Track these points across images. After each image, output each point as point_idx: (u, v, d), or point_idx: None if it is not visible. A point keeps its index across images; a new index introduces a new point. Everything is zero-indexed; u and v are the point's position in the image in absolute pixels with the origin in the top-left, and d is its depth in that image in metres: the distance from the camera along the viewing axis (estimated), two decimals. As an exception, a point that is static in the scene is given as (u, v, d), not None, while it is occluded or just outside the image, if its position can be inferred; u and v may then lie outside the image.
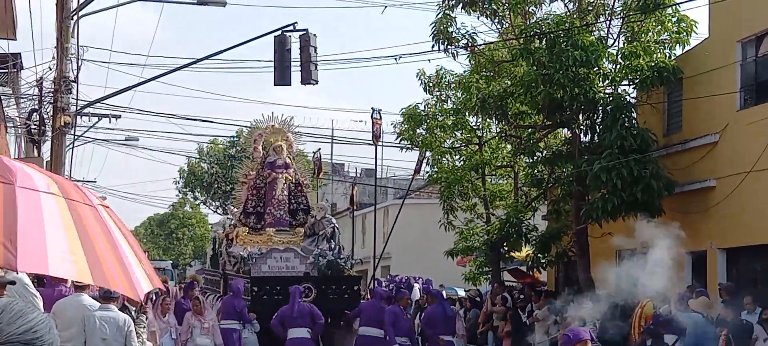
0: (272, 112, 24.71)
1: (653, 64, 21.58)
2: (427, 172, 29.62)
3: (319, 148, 34.35)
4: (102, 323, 11.45)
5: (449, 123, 28.09)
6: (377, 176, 33.86)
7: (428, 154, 28.11)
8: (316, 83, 20.57)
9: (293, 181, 23.36)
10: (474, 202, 28.88)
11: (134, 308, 12.73)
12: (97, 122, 32.42)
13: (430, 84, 27.80)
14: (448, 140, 29.02)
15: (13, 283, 6.02)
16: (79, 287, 13.21)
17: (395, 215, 26.15)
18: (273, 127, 23.73)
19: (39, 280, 14.67)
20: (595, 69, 21.48)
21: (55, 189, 4.75)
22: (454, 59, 25.23)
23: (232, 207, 25.77)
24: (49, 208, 4.59)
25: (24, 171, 4.74)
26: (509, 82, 23.85)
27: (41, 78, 24.44)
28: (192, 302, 17.93)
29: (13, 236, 4.31)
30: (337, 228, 23.37)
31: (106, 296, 11.81)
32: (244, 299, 20.02)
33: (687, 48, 22.40)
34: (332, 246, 22.51)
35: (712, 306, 16.46)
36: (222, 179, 56.36)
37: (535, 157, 25.13)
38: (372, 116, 25.13)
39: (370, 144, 26.38)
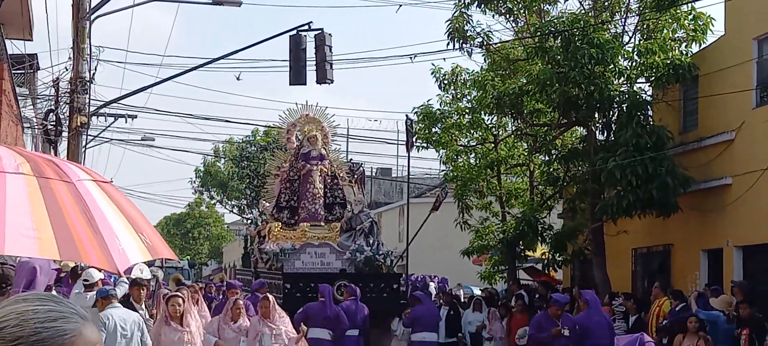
0: (306, 101, 23.15)
1: (669, 61, 21.52)
2: (444, 172, 29.34)
3: (362, 163, 32.64)
4: (120, 322, 11.58)
5: (465, 121, 27.96)
6: (393, 175, 33.73)
7: (442, 153, 27.95)
8: (332, 82, 20.38)
9: (329, 173, 22.24)
10: (489, 200, 28.79)
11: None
12: (113, 122, 32.55)
13: (446, 81, 27.59)
14: (463, 139, 28.89)
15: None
16: (89, 286, 13.37)
17: (413, 215, 25.70)
18: (307, 116, 22.62)
19: (55, 280, 14.78)
20: (610, 67, 21.42)
21: (27, 169, 4.81)
22: (469, 57, 25.25)
23: (264, 202, 24.15)
24: (15, 188, 4.66)
25: None
26: (524, 81, 23.81)
27: (57, 78, 24.50)
28: (260, 303, 14.69)
29: None
30: (376, 223, 22.17)
31: (105, 296, 11.96)
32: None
33: (703, 45, 22.33)
34: (370, 242, 21.52)
35: (733, 304, 16.41)
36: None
37: (551, 155, 25.09)
38: (406, 125, 24.10)
39: (392, 144, 26.07)
